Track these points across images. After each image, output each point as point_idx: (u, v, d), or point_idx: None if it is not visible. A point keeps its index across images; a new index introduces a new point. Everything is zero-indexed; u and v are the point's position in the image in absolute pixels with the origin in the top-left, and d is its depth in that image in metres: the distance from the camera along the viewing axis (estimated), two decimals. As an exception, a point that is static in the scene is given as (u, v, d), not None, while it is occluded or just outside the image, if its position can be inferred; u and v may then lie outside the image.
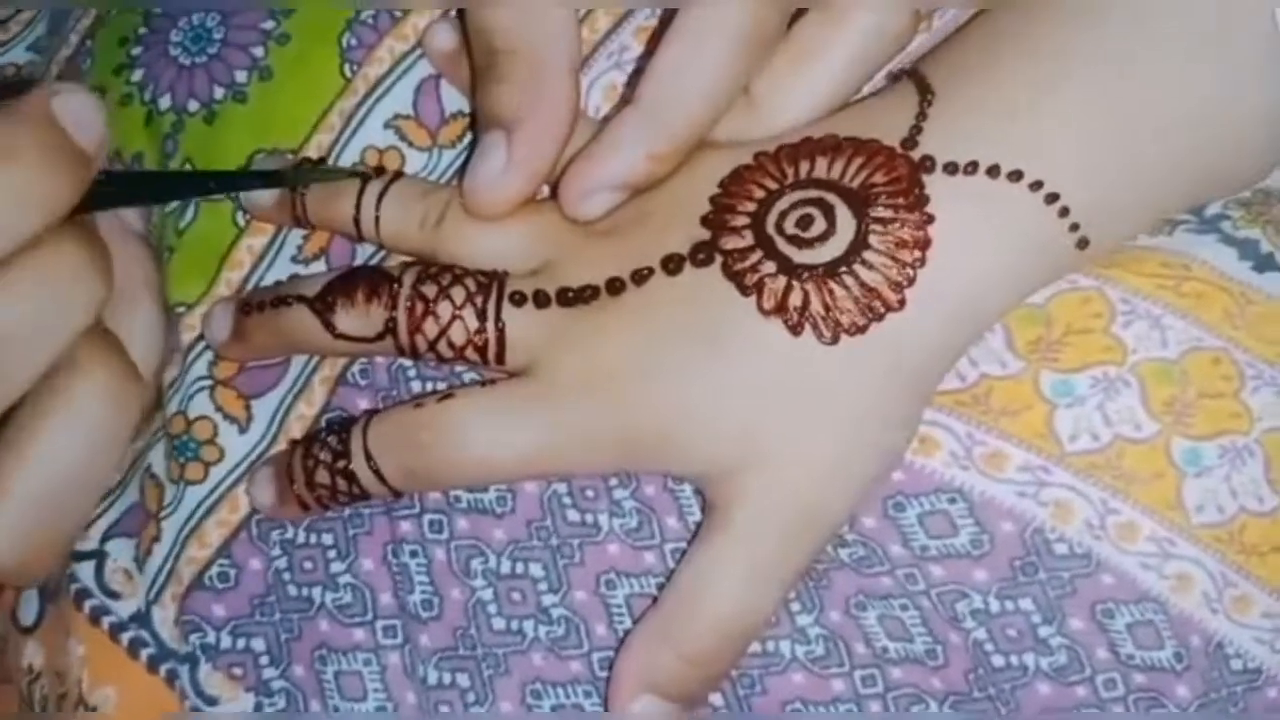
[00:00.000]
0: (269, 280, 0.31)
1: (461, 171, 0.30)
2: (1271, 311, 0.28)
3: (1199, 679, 0.27)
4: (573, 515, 0.29)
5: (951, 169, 0.26)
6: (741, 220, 0.27)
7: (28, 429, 0.25)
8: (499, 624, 0.29)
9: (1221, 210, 0.29)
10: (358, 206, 0.30)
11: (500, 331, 0.27)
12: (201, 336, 0.31)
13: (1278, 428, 0.28)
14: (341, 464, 0.28)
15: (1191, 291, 0.28)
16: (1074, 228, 0.26)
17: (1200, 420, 0.28)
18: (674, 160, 0.28)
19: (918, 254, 0.26)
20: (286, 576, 0.30)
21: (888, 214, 0.26)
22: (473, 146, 0.29)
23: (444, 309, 0.28)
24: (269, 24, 0.32)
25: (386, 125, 0.31)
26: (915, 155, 0.26)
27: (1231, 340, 0.28)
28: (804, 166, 0.27)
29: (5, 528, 0.25)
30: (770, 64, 0.28)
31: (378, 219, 0.30)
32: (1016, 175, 0.26)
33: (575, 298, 0.27)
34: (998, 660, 0.28)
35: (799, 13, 0.28)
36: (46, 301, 0.23)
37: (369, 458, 0.28)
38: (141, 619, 0.30)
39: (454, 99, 0.31)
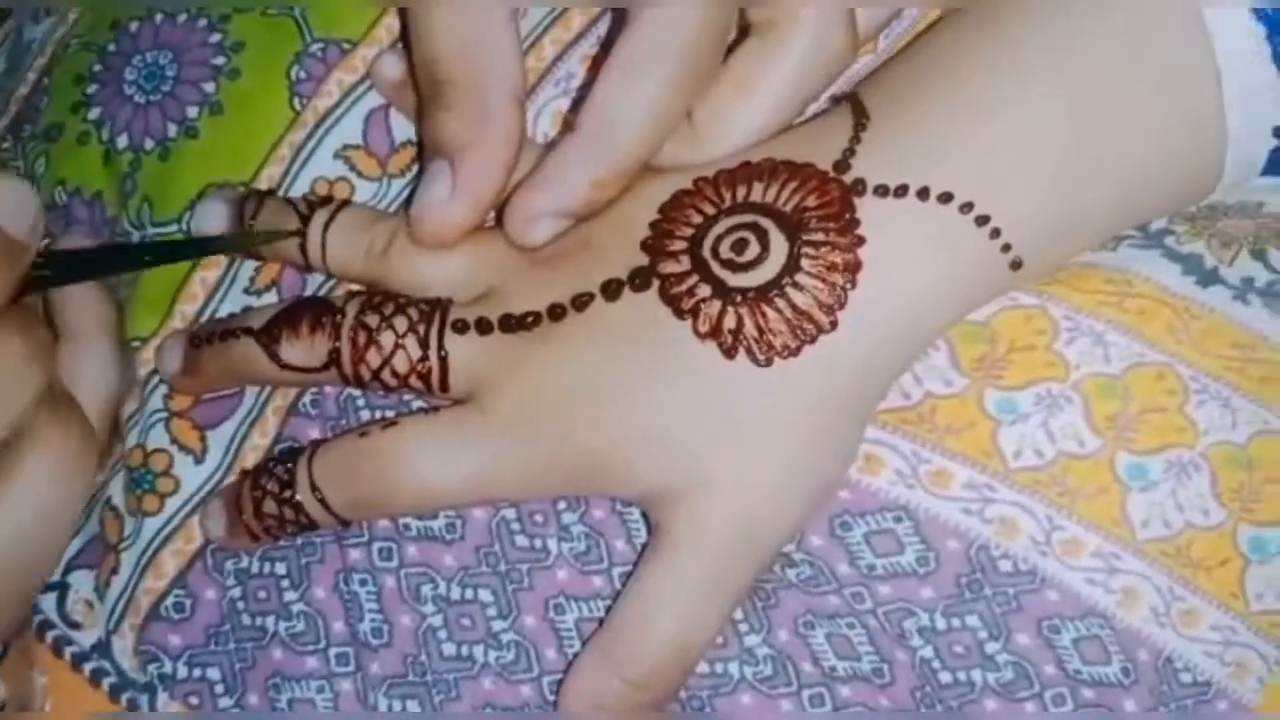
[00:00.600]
0: (223, 312, 0.32)
1: (408, 201, 0.31)
2: (1215, 326, 0.29)
3: (1148, 693, 0.28)
4: (521, 541, 0.29)
5: (883, 191, 0.26)
6: (679, 245, 0.27)
7: None
8: (449, 650, 0.29)
9: (1166, 225, 0.30)
10: (304, 236, 0.30)
11: (443, 359, 0.28)
12: (155, 371, 0.32)
13: (1223, 441, 0.28)
14: (288, 494, 0.28)
15: (1134, 308, 0.29)
16: (1006, 248, 0.26)
17: (1144, 435, 0.28)
18: (616, 187, 0.28)
19: (848, 276, 0.26)
20: (241, 605, 0.30)
21: (819, 237, 0.26)
22: (420, 175, 0.30)
23: (387, 338, 0.28)
24: (220, 60, 0.32)
25: (336, 156, 0.32)
26: (847, 178, 0.27)
27: (1175, 355, 0.28)
28: (740, 190, 0.28)
29: None
30: (711, 91, 0.28)
31: (324, 247, 0.30)
32: (947, 197, 0.26)
33: (518, 324, 0.28)
34: (945, 677, 0.28)
35: (739, 38, 0.29)
36: None
37: (314, 488, 0.28)
38: (102, 649, 0.31)
39: (403, 128, 0.32)
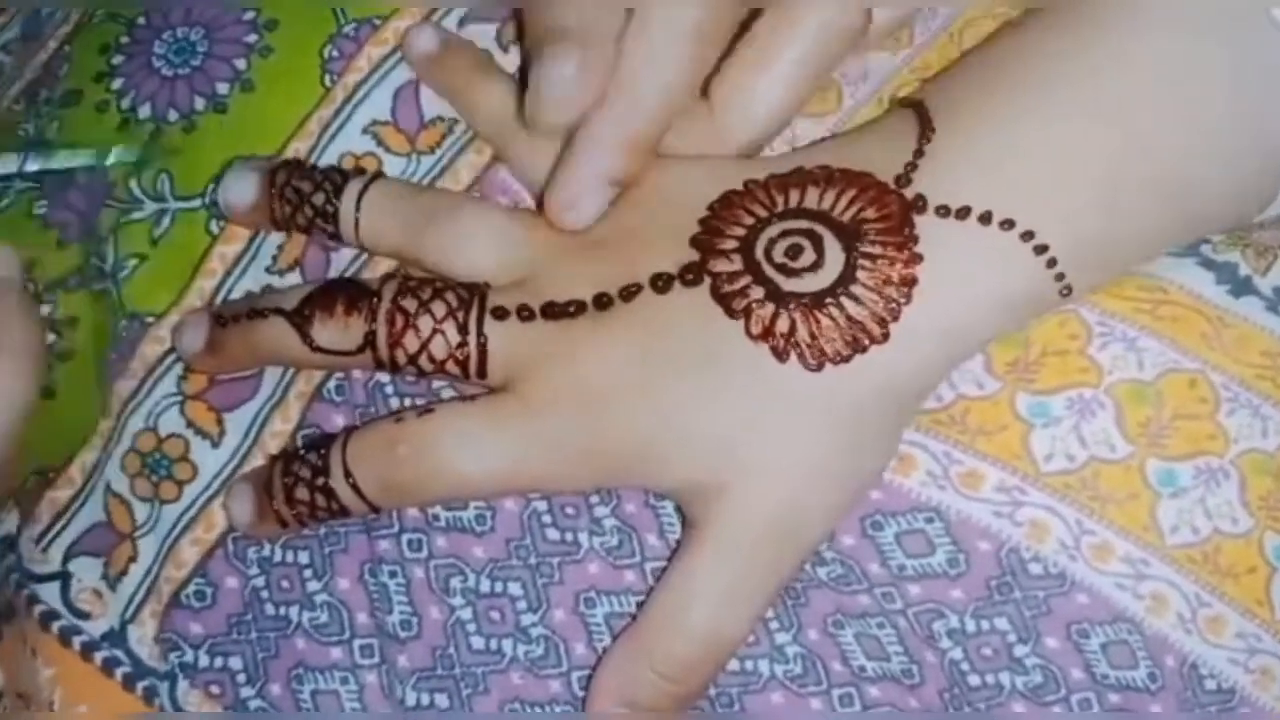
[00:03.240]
0: (241, 289, 0.33)
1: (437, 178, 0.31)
2: (1248, 334, 0.30)
3: (1173, 699, 0.29)
4: (552, 534, 0.30)
5: (944, 212, 0.27)
6: (730, 244, 0.28)
7: None
8: (478, 643, 0.30)
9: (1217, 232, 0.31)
10: (335, 207, 0.31)
11: (482, 346, 0.29)
12: (170, 350, 0.32)
13: (1253, 449, 0.29)
14: (321, 480, 0.29)
15: (1168, 315, 0.30)
16: (1060, 277, 0.28)
17: (1175, 441, 0.29)
18: (649, 144, 0.29)
19: (904, 291, 0.27)
20: (264, 595, 0.31)
21: (877, 250, 0.27)
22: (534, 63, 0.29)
23: (425, 323, 0.29)
24: (252, 38, 0.33)
25: (364, 131, 0.33)
26: (908, 193, 0.28)
27: (1208, 362, 0.30)
28: (794, 196, 0.28)
29: None
30: (727, 68, 0.29)
31: (357, 220, 0.31)
32: (1009, 224, 0.27)
33: (561, 312, 0.28)
34: (974, 679, 0.29)
35: (754, 14, 0.30)
36: None
37: (347, 474, 0.29)
38: (115, 638, 0.31)
39: (432, 104, 0.33)
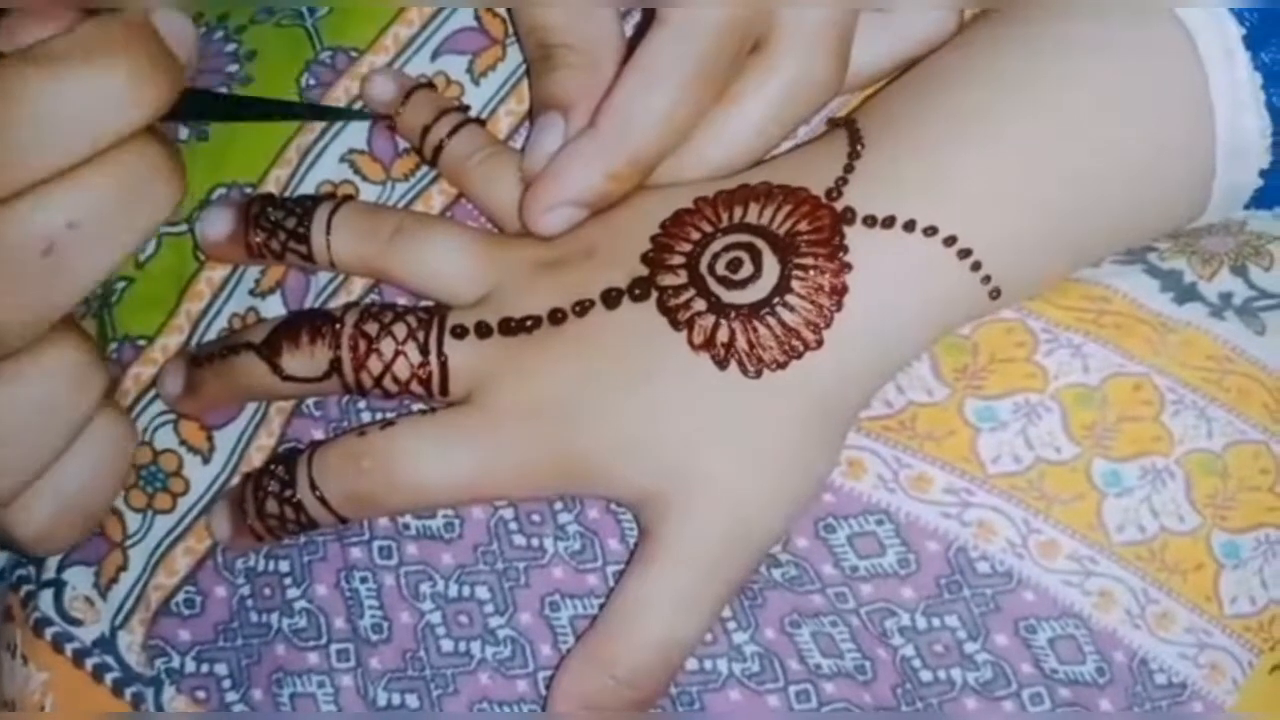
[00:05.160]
0: (227, 311, 0.34)
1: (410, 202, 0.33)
2: (1192, 338, 0.31)
3: (1123, 693, 0.30)
4: (518, 539, 0.32)
5: (871, 222, 0.29)
6: (678, 260, 0.30)
7: None
8: (447, 646, 0.31)
9: (1150, 241, 0.32)
10: (307, 228, 0.32)
11: (443, 364, 0.30)
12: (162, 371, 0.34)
13: (1199, 449, 0.30)
14: (289, 493, 0.31)
15: (1111, 324, 0.31)
16: (986, 279, 0.29)
17: (1120, 443, 0.31)
18: (631, 181, 0.31)
19: (835, 299, 0.29)
20: (249, 603, 0.32)
21: (809, 260, 0.29)
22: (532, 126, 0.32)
23: (387, 345, 0.31)
24: (233, 67, 0.35)
25: (341, 160, 0.34)
26: (838, 206, 0.29)
27: (1153, 366, 0.31)
28: (737, 212, 0.30)
29: None
30: None
31: (329, 242, 0.32)
32: (932, 231, 0.29)
33: (517, 327, 0.30)
34: (925, 675, 0.30)
35: None
36: (131, 195, 0.25)
37: (314, 486, 0.31)
38: (105, 644, 0.33)
39: (407, 135, 0.35)
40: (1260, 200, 0.31)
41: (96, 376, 0.27)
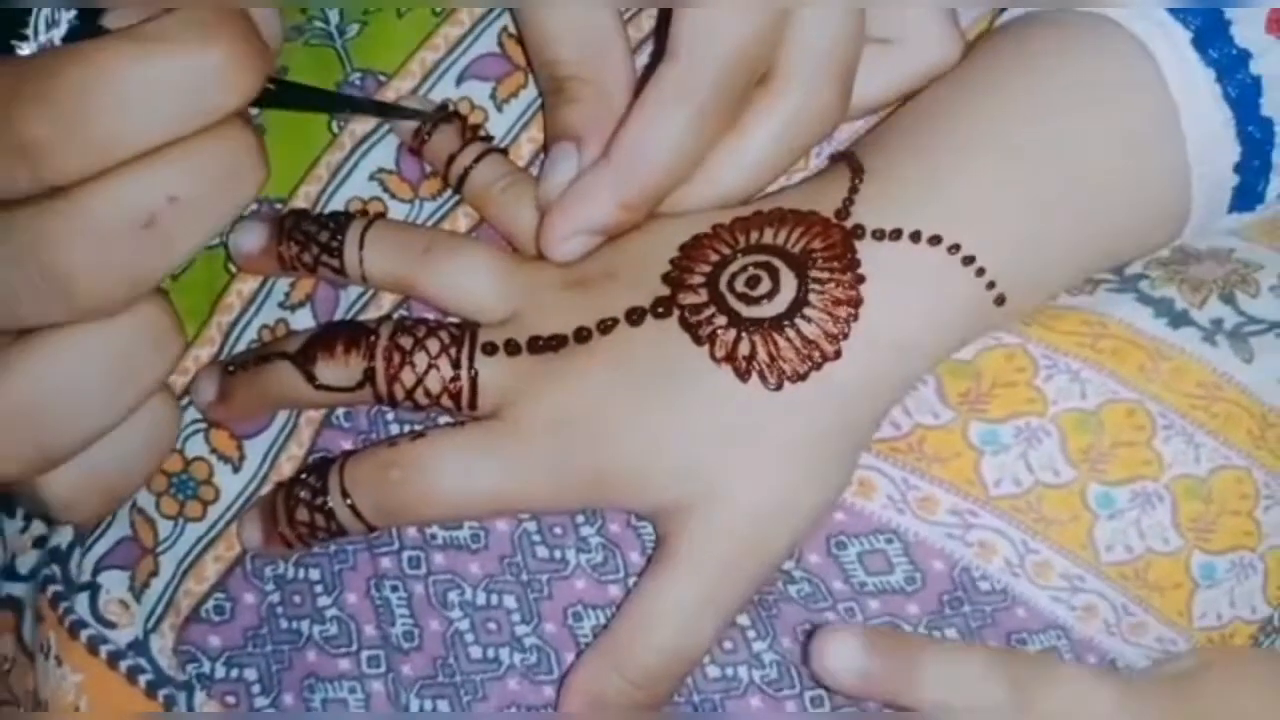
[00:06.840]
0: (257, 323, 0.35)
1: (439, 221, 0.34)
2: (1184, 366, 0.33)
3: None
4: (542, 551, 0.33)
5: (879, 235, 0.31)
6: (698, 279, 0.32)
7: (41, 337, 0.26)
8: (476, 653, 0.33)
9: (1141, 270, 0.34)
10: (340, 243, 0.34)
11: (473, 379, 0.32)
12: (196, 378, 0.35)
13: (1186, 474, 0.32)
14: (320, 501, 0.32)
15: (1108, 348, 0.33)
16: (990, 285, 0.31)
17: (1114, 467, 0.32)
18: (644, 209, 0.32)
19: (851, 310, 0.31)
20: (279, 610, 0.34)
21: (824, 275, 0.31)
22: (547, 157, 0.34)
23: (420, 358, 0.32)
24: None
25: (371, 178, 0.36)
26: (848, 224, 0.31)
27: (1145, 392, 0.33)
28: (753, 234, 0.32)
29: None
30: None
31: (361, 257, 0.34)
32: (936, 240, 0.31)
33: (545, 345, 0.32)
34: (926, 682, 0.32)
35: None
36: (227, 173, 0.26)
37: (345, 495, 0.32)
38: (139, 647, 0.34)
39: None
40: (1241, 200, 0.33)
41: (176, 341, 0.28)
